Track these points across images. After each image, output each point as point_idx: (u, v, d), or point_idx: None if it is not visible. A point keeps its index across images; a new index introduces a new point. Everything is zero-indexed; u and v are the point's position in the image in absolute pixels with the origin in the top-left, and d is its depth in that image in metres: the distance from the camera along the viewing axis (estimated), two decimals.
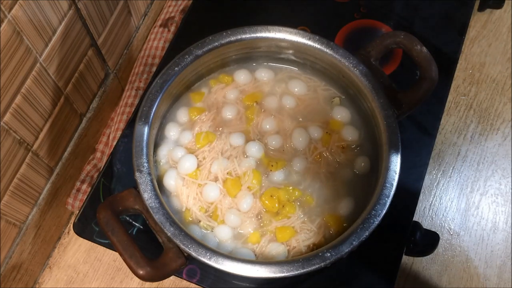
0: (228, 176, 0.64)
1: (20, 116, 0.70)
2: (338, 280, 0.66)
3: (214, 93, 0.70)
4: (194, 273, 0.66)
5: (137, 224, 0.68)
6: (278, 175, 0.65)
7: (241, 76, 0.70)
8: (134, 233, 0.68)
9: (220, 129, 0.68)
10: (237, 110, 0.69)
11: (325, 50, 0.65)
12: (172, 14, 1.00)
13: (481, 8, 1.09)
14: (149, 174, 0.58)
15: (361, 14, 0.83)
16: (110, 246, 0.60)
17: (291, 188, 0.63)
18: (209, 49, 0.66)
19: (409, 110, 0.63)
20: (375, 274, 0.67)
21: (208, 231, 0.62)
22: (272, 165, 0.64)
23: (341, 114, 0.68)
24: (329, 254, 0.54)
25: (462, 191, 0.99)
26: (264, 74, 0.71)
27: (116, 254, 0.57)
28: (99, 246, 0.69)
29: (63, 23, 0.72)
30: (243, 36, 0.66)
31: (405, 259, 0.91)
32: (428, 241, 0.74)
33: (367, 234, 0.55)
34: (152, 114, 0.62)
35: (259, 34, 0.66)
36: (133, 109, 0.87)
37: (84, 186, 0.93)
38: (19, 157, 0.74)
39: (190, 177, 0.64)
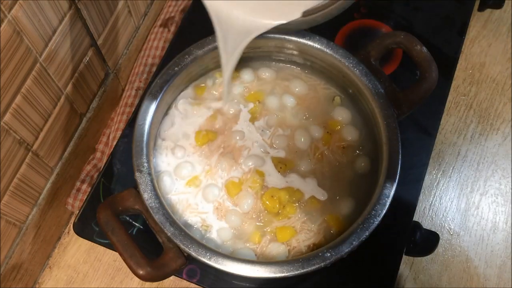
0: (228, 176, 0.64)
1: (20, 116, 0.70)
2: (338, 280, 0.66)
3: (219, 86, 0.70)
4: (194, 273, 0.66)
5: (137, 224, 0.68)
6: (282, 177, 0.64)
7: (245, 75, 0.70)
8: (134, 233, 0.68)
9: (218, 127, 0.68)
10: (240, 107, 0.69)
11: (325, 50, 0.65)
12: (172, 14, 1.00)
13: (481, 8, 1.09)
14: (149, 174, 0.58)
15: (361, 14, 0.83)
16: (110, 246, 0.60)
17: (293, 188, 0.63)
18: (209, 49, 0.66)
19: (409, 110, 0.63)
20: (375, 274, 0.67)
21: (208, 232, 0.62)
22: (280, 167, 0.64)
23: (341, 114, 0.68)
24: (329, 254, 0.54)
25: (462, 191, 0.99)
26: (266, 74, 0.71)
27: (116, 254, 0.58)
28: (99, 246, 0.69)
29: (63, 23, 0.72)
30: None
31: (405, 259, 0.91)
32: (428, 241, 0.74)
33: (367, 234, 0.55)
34: (152, 114, 0.62)
35: None
36: (133, 109, 0.87)
37: (84, 186, 0.93)
38: (19, 157, 0.74)
39: (190, 177, 0.64)
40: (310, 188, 0.64)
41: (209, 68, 0.70)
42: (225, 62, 0.63)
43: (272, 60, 0.72)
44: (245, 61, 0.71)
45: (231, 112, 0.68)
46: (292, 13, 0.58)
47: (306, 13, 0.58)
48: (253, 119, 0.68)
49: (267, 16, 0.59)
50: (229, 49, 0.61)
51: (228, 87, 0.66)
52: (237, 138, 0.66)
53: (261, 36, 0.65)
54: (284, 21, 0.59)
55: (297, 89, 0.70)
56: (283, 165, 0.64)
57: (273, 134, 0.67)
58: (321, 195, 0.64)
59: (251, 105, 0.69)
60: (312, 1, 0.58)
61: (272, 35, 0.66)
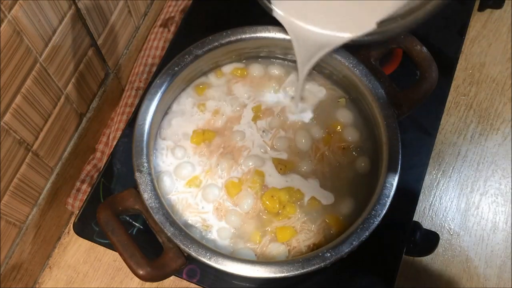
0: (228, 176, 0.64)
1: (20, 116, 0.70)
2: (338, 280, 0.66)
3: (222, 86, 0.70)
4: (194, 273, 0.66)
5: (137, 224, 0.68)
6: (282, 177, 0.64)
7: (255, 70, 0.70)
8: (134, 233, 0.68)
9: (219, 127, 0.68)
10: (243, 106, 0.68)
11: None
12: (172, 14, 1.00)
13: (481, 8, 1.09)
14: (149, 174, 0.58)
15: None
16: (110, 246, 0.60)
17: (293, 189, 0.63)
18: (209, 49, 0.66)
19: (409, 110, 0.63)
20: (375, 274, 0.67)
21: (208, 232, 0.62)
22: (280, 168, 0.64)
23: (344, 115, 0.68)
24: (329, 254, 0.54)
25: (462, 191, 0.99)
26: (276, 71, 0.71)
27: (116, 254, 0.57)
28: (99, 246, 0.69)
29: (63, 23, 0.72)
30: (243, 36, 0.66)
31: (405, 259, 0.91)
32: (428, 241, 0.74)
33: (367, 234, 0.55)
34: (152, 114, 0.62)
35: (259, 34, 0.66)
36: (133, 109, 0.87)
37: (84, 186, 0.93)
38: (19, 157, 0.74)
39: (190, 177, 0.64)
40: (311, 188, 0.64)
41: (209, 68, 0.70)
42: (300, 69, 0.63)
43: (281, 59, 0.71)
44: (254, 59, 0.71)
45: (235, 110, 0.68)
46: (366, 25, 0.57)
47: (380, 25, 0.56)
48: (255, 118, 0.68)
49: (341, 29, 0.58)
50: (304, 58, 0.62)
51: (301, 91, 0.67)
52: (238, 138, 0.66)
53: (261, 36, 0.65)
54: (358, 34, 0.58)
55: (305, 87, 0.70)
56: (283, 166, 0.64)
57: (274, 136, 0.67)
58: (324, 197, 0.64)
59: (257, 103, 0.69)
60: (387, 11, 0.55)
61: (271, 35, 0.66)
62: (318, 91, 0.70)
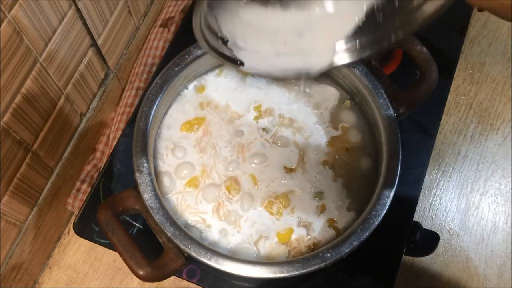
0: (229, 176, 0.64)
1: (20, 116, 0.70)
2: (338, 280, 0.66)
3: (223, 85, 0.70)
4: (194, 273, 0.66)
5: (137, 224, 0.68)
6: (285, 177, 0.64)
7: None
8: (134, 233, 0.68)
9: (218, 126, 0.68)
10: (244, 104, 0.68)
11: None
12: (172, 14, 1.00)
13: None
14: (149, 174, 0.58)
15: None
16: (110, 246, 0.60)
17: (293, 189, 0.63)
18: None
19: (409, 110, 0.63)
20: (375, 274, 0.67)
21: (208, 232, 0.62)
22: (285, 172, 0.64)
23: (348, 117, 0.68)
24: (329, 255, 0.54)
25: (462, 191, 0.99)
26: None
27: (116, 254, 0.58)
28: (99, 246, 0.69)
29: (63, 23, 0.72)
30: None
31: (405, 259, 0.91)
32: (428, 241, 0.74)
33: (367, 234, 0.55)
34: (152, 114, 0.62)
35: None
36: (133, 109, 0.87)
37: (84, 186, 0.93)
38: (19, 157, 0.74)
39: (190, 177, 0.64)
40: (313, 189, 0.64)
41: (209, 67, 0.70)
42: None
43: None
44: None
45: (236, 109, 0.68)
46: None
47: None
48: (257, 117, 0.68)
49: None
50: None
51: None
52: (239, 137, 0.66)
53: None
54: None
55: (308, 89, 0.70)
56: (288, 170, 0.64)
57: (275, 134, 0.67)
58: (323, 196, 0.64)
59: (258, 103, 0.69)
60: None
61: None
62: (321, 92, 0.70)
